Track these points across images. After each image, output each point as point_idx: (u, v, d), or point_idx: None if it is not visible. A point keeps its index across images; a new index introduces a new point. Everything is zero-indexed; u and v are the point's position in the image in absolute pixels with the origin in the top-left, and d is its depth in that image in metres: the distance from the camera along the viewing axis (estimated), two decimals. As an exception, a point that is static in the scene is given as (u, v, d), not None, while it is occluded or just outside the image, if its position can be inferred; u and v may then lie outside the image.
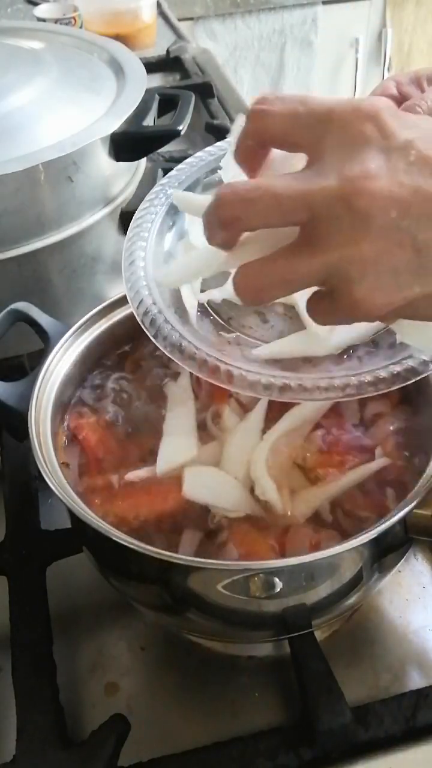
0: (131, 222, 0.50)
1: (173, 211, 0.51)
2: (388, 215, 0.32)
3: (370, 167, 0.32)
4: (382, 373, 0.41)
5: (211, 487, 0.46)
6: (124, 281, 0.46)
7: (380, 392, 0.41)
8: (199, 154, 0.54)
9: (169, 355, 0.43)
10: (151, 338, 0.44)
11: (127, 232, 0.50)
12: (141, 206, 0.51)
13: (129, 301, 0.45)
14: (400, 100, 0.62)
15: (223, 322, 0.47)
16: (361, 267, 0.32)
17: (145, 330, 0.44)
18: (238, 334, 0.46)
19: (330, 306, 0.35)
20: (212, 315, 0.47)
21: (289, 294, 0.35)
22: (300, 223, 0.33)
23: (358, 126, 0.33)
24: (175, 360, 0.42)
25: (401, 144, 0.33)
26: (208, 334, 0.46)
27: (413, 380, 0.41)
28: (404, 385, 0.41)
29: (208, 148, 0.55)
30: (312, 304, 0.36)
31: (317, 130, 0.33)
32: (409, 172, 0.32)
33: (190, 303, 0.46)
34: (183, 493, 0.46)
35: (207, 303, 0.47)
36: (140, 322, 0.44)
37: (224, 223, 0.34)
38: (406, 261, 0.32)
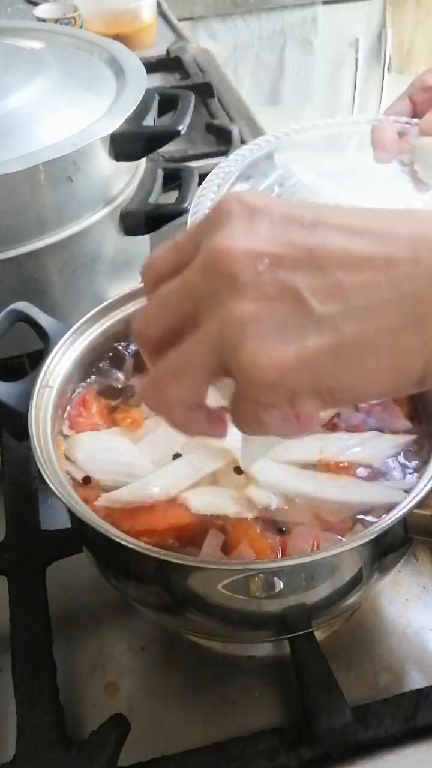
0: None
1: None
2: (255, 269, 0.29)
3: (232, 231, 0.30)
4: None
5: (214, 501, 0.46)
6: None
7: None
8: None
9: None
10: None
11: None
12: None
13: None
14: None
15: None
16: (239, 327, 0.29)
17: None
18: None
19: (236, 394, 0.32)
20: None
21: (190, 390, 0.32)
22: (189, 313, 0.31)
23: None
24: None
25: (262, 209, 0.31)
26: None
27: None
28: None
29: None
30: (231, 413, 0.33)
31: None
32: (274, 226, 0.30)
33: None
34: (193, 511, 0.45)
35: None
36: None
37: (138, 342, 0.34)
38: (290, 314, 0.29)
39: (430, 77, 0.71)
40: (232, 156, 0.63)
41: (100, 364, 0.55)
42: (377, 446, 0.48)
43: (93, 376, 0.55)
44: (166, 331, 0.32)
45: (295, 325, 0.29)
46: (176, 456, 0.48)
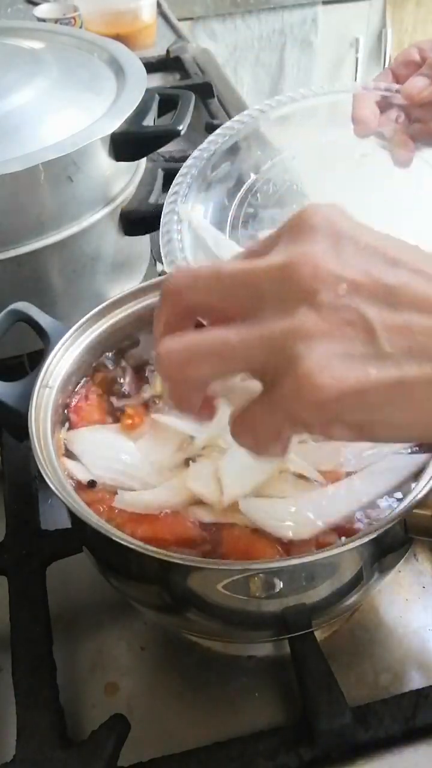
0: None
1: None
2: (335, 291, 0.30)
3: (316, 248, 0.30)
4: None
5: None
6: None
7: None
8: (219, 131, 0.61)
9: None
10: None
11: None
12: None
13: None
14: (421, 65, 0.64)
15: None
16: (307, 340, 0.29)
17: None
18: None
19: (265, 401, 0.31)
20: None
21: (219, 373, 0.32)
22: (243, 304, 0.31)
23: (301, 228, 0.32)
24: None
25: (348, 233, 0.31)
26: None
27: None
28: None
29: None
30: (240, 415, 0.32)
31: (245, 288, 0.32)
32: (359, 255, 0.31)
33: None
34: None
35: None
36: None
37: (169, 296, 0.33)
38: (358, 342, 0.29)
39: (414, 51, 0.69)
40: (212, 136, 0.62)
41: (101, 362, 0.56)
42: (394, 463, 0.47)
43: (93, 374, 0.55)
44: (205, 304, 0.32)
45: (361, 354, 0.29)
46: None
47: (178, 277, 0.33)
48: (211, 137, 0.64)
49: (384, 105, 0.68)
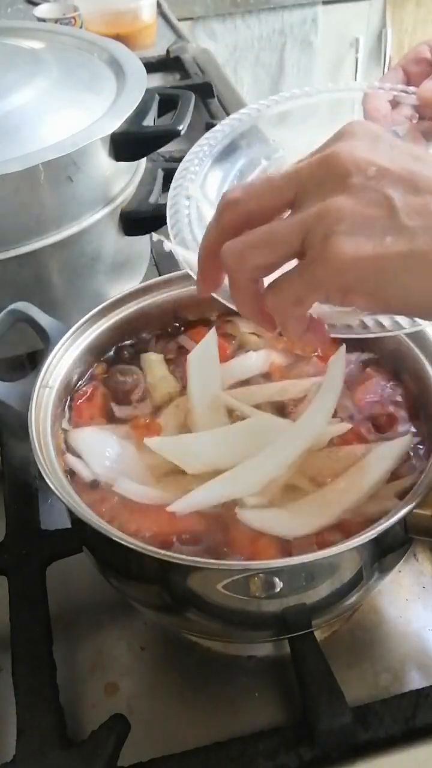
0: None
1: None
2: (365, 174, 0.34)
3: (354, 143, 0.36)
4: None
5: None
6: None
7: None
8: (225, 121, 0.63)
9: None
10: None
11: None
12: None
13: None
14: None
15: None
16: (336, 217, 0.34)
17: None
18: None
19: (294, 270, 0.36)
20: None
21: (267, 260, 0.36)
22: (290, 201, 0.36)
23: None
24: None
25: (383, 137, 0.36)
26: None
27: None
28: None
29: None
30: (272, 282, 0.37)
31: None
32: (390, 151, 0.36)
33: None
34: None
35: None
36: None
37: (228, 211, 0.38)
38: (380, 219, 0.34)
39: (425, 49, 0.69)
40: (209, 133, 0.63)
41: (102, 361, 0.56)
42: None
43: (95, 374, 0.55)
44: (260, 209, 0.37)
45: (381, 228, 0.34)
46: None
47: (236, 189, 0.38)
48: (208, 134, 0.65)
49: (393, 102, 0.68)
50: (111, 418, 0.52)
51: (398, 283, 0.34)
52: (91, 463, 0.48)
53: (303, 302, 0.36)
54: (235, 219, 0.38)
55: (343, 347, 0.51)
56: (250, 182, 0.38)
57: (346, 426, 0.49)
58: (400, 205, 0.34)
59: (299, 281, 0.36)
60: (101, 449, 0.49)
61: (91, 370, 0.55)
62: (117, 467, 0.48)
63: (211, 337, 0.54)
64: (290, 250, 0.36)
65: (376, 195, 0.34)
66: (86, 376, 0.55)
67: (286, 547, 0.43)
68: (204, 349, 0.54)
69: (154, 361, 0.56)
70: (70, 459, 0.48)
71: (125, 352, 0.57)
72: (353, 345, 0.53)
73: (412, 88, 0.67)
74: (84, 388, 0.54)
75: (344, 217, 0.34)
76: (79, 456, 0.49)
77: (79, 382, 0.54)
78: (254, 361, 0.55)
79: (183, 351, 0.57)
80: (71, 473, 0.48)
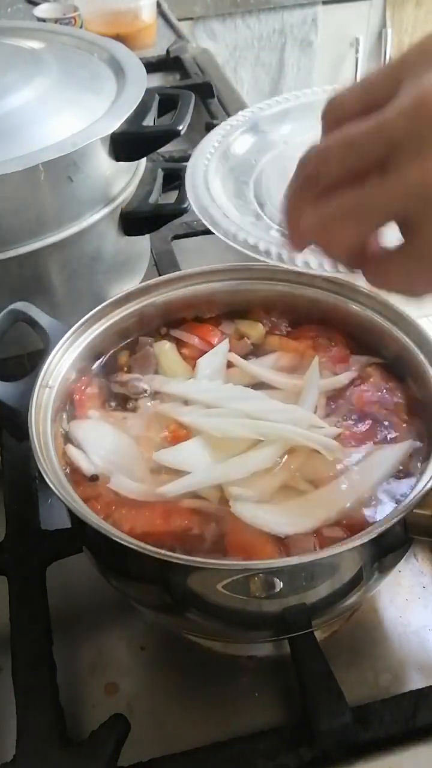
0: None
1: None
2: None
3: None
4: None
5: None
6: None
7: None
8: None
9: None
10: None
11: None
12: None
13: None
14: None
15: None
16: None
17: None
18: None
19: (406, 249, 0.30)
20: None
21: (360, 233, 0.31)
22: (378, 158, 0.30)
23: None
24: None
25: None
26: None
27: None
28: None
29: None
30: (376, 263, 0.32)
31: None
32: None
33: None
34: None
35: None
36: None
37: (306, 180, 0.32)
38: None
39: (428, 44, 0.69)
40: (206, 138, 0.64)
41: (102, 361, 0.56)
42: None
43: (95, 372, 0.55)
44: (346, 174, 0.31)
45: None
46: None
47: (310, 159, 0.32)
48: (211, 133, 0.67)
49: None
50: (114, 410, 0.53)
51: None
52: (91, 453, 0.48)
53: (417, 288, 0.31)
54: (321, 190, 0.32)
55: (316, 359, 0.53)
56: (325, 146, 0.32)
57: (336, 430, 0.49)
58: None
59: (413, 264, 0.31)
60: (102, 441, 0.50)
61: (92, 369, 0.55)
62: (116, 459, 0.48)
63: (223, 345, 0.56)
64: (386, 220, 0.31)
65: None
66: (88, 373, 0.55)
67: (283, 546, 0.43)
68: (215, 355, 0.55)
69: (167, 350, 0.57)
70: (72, 450, 0.48)
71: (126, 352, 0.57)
72: (358, 349, 0.55)
73: None
74: (87, 383, 0.54)
75: None
76: (80, 447, 0.49)
77: (82, 379, 0.54)
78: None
79: (181, 344, 0.58)
80: (70, 468, 0.48)
